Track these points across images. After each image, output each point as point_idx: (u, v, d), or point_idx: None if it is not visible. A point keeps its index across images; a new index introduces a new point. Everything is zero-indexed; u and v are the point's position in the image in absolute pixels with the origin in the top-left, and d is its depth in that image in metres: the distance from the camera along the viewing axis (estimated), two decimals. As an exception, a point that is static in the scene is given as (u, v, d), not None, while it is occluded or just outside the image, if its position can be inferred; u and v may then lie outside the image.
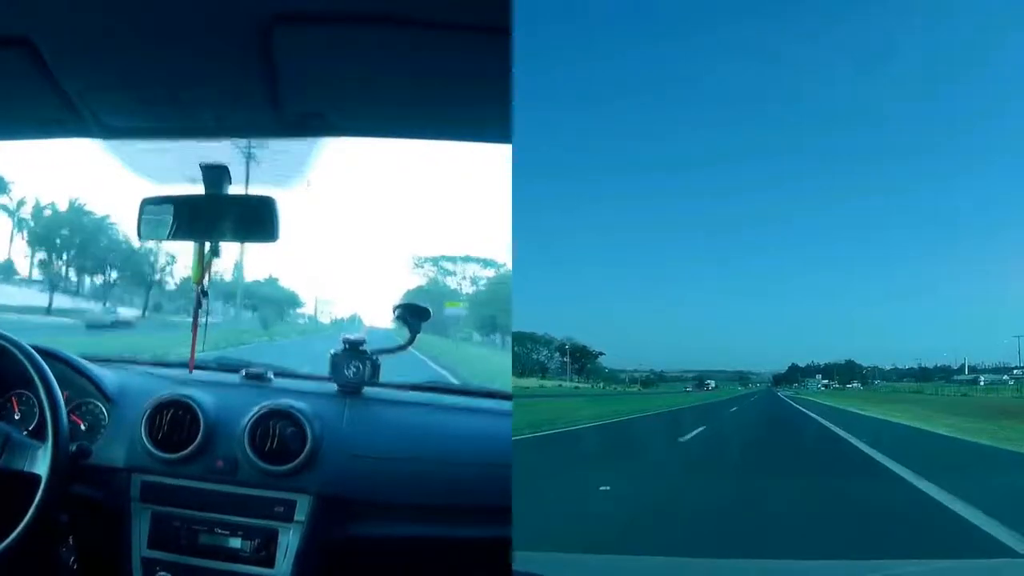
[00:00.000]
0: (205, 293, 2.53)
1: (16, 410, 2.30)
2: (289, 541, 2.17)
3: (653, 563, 2.58)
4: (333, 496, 2.22)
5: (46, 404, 2.03)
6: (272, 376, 2.52)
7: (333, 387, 2.45)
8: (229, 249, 2.48)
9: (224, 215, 2.33)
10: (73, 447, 2.07)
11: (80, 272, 29.03)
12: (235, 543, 2.17)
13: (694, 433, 10.28)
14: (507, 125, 1.79)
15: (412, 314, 2.53)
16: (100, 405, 2.33)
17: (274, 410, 2.25)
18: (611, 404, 17.23)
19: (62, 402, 2.06)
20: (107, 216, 28.53)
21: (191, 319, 2.62)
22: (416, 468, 2.30)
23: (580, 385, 24.61)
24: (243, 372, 2.52)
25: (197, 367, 2.59)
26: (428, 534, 2.28)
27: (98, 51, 1.59)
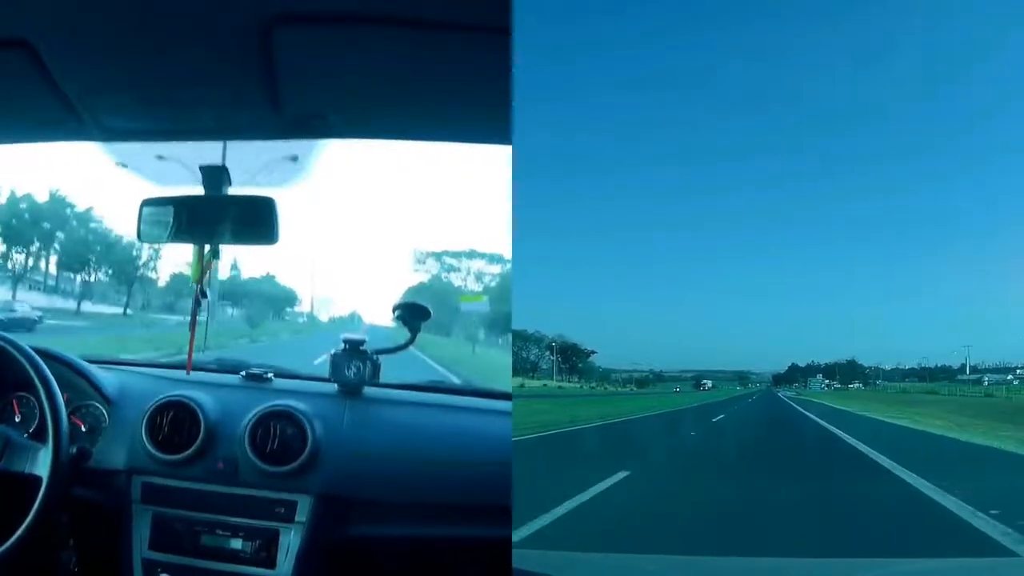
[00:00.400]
0: (204, 294, 2.53)
1: (17, 412, 2.30)
2: (290, 542, 2.17)
3: (653, 562, 2.57)
4: (334, 496, 2.22)
5: (46, 406, 2.03)
6: (272, 377, 2.52)
7: (333, 387, 2.45)
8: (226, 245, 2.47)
9: (224, 216, 2.33)
10: (73, 449, 2.07)
11: (58, 268, 27.50)
12: (236, 544, 2.17)
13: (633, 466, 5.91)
14: (507, 125, 1.80)
15: (412, 313, 2.53)
16: (100, 407, 2.33)
17: (274, 411, 2.25)
18: (582, 408, 14.65)
19: (62, 404, 2.06)
20: (90, 208, 27.18)
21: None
22: (416, 468, 2.30)
23: (565, 385, 23.76)
24: (243, 373, 2.52)
25: (197, 368, 2.59)
26: (428, 534, 2.29)
27: (98, 53, 1.59)
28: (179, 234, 2.33)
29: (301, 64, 1.62)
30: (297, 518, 2.18)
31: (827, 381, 23.89)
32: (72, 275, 27.52)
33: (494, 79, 1.63)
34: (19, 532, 1.94)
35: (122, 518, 2.20)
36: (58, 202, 26.64)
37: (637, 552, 3.35)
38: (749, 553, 3.10)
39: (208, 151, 2.22)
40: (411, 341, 2.62)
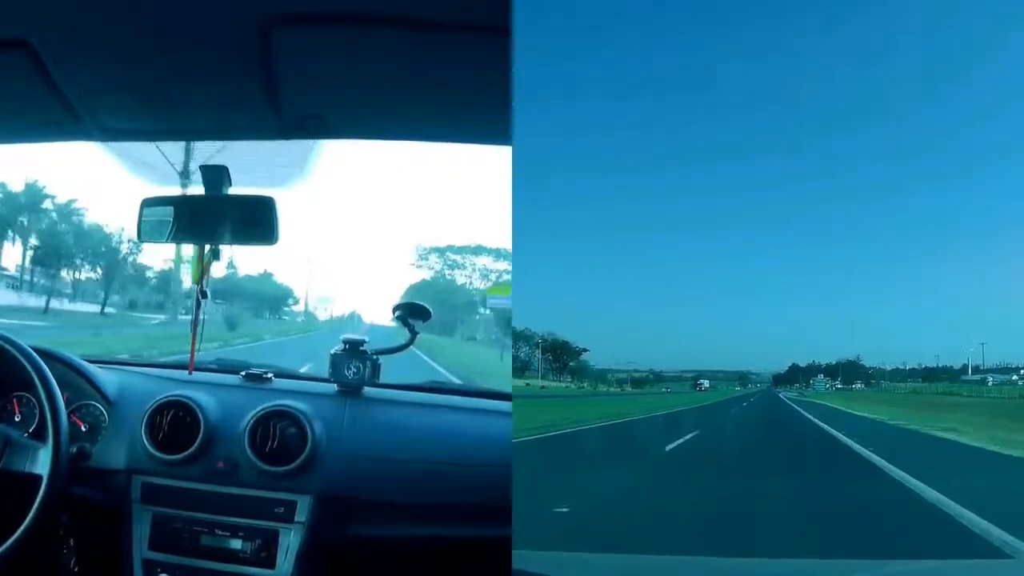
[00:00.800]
0: (205, 294, 2.53)
1: (17, 412, 2.30)
2: (290, 542, 2.17)
3: (653, 563, 2.57)
4: (334, 496, 2.22)
5: (46, 406, 2.03)
6: (272, 377, 2.52)
7: (333, 388, 2.45)
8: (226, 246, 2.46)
9: (223, 216, 2.33)
10: (73, 449, 2.07)
11: (34, 264, 26.21)
12: (236, 544, 2.17)
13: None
14: (507, 125, 1.79)
15: (412, 314, 2.53)
16: (100, 407, 2.33)
17: (274, 411, 2.25)
18: (536, 413, 12.16)
19: (62, 404, 2.06)
20: (71, 201, 25.96)
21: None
22: (416, 468, 2.30)
23: (549, 384, 22.90)
24: (243, 373, 2.52)
25: (198, 368, 2.59)
26: (428, 534, 2.29)
27: (97, 53, 1.59)
28: (179, 234, 2.33)
29: (301, 64, 1.62)
30: (297, 518, 2.18)
31: (832, 382, 23.19)
32: (49, 271, 26.25)
33: (494, 79, 1.63)
34: (19, 532, 1.94)
35: (122, 518, 2.20)
36: (35, 194, 25.35)
37: (637, 552, 3.35)
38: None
39: (208, 151, 2.22)
40: (411, 341, 2.62)
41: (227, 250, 2.53)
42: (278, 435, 2.22)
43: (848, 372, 23.77)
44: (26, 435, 2.12)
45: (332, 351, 2.46)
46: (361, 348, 2.45)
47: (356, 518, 2.25)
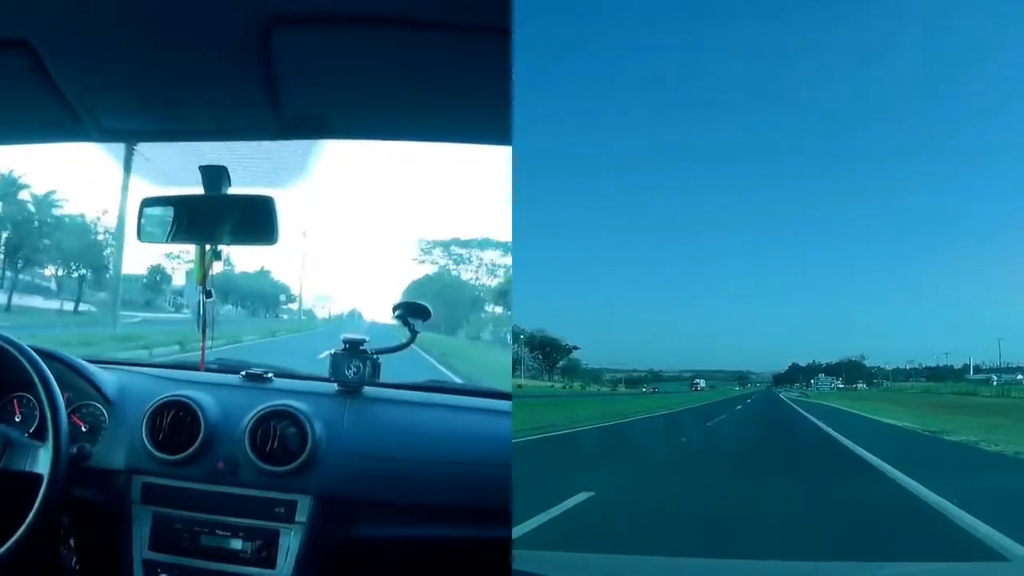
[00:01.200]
0: (210, 293, 2.53)
1: (17, 412, 2.30)
2: (290, 542, 2.17)
3: (653, 563, 2.57)
4: (334, 497, 2.22)
5: (46, 406, 2.03)
6: (272, 377, 2.52)
7: (333, 387, 2.45)
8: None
9: (223, 216, 2.33)
10: (73, 449, 2.07)
11: (3, 259, 24.03)
12: (236, 544, 2.17)
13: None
14: (507, 125, 1.79)
15: (412, 313, 2.53)
16: (100, 407, 2.33)
17: (274, 411, 2.25)
18: None
19: (62, 404, 2.06)
20: (50, 192, 24.23)
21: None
22: (417, 468, 2.30)
23: (527, 384, 21.34)
24: (243, 373, 2.52)
25: (197, 368, 2.60)
26: (429, 534, 2.29)
27: (97, 53, 1.59)
28: (179, 234, 2.33)
29: (301, 64, 1.62)
30: (297, 518, 2.18)
31: (836, 383, 22.40)
32: (19, 266, 24.65)
33: (494, 79, 1.63)
34: (19, 532, 1.94)
35: (122, 518, 2.20)
36: (9, 185, 24.02)
37: (636, 553, 3.35)
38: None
39: (208, 151, 2.22)
40: (411, 340, 2.62)
41: (223, 248, 2.53)
42: (278, 435, 2.22)
43: (850, 372, 23.54)
44: (26, 435, 2.12)
45: (332, 351, 2.47)
46: (361, 347, 2.45)
47: (356, 518, 2.25)
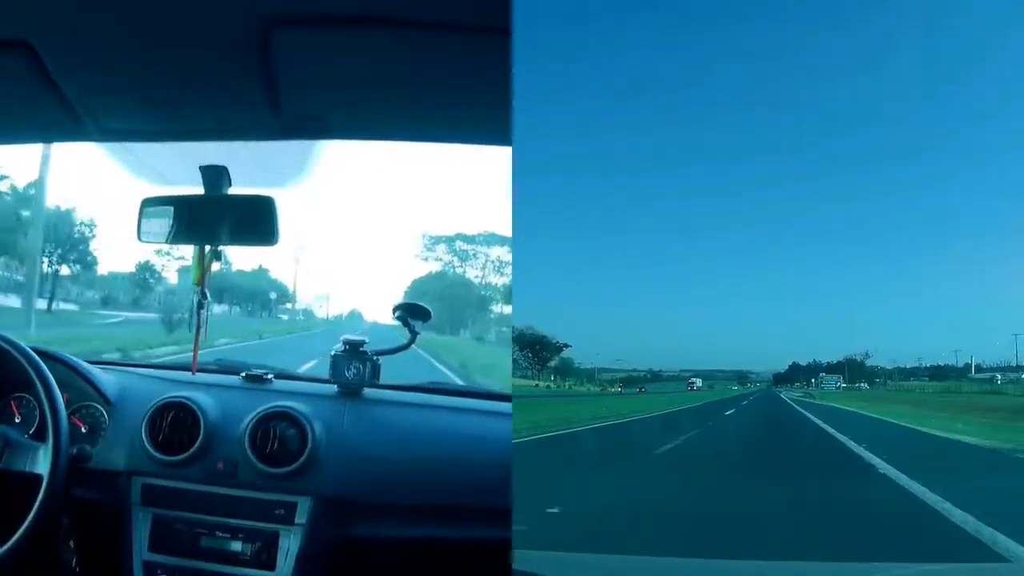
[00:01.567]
0: (205, 295, 2.53)
1: (17, 413, 2.30)
2: (290, 543, 2.16)
3: (653, 563, 2.57)
4: (334, 498, 2.22)
5: (46, 406, 2.03)
6: (272, 378, 2.52)
7: (333, 388, 2.45)
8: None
9: (222, 217, 2.32)
10: (73, 450, 2.06)
11: None
12: (236, 546, 2.17)
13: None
14: (507, 126, 1.79)
15: (412, 314, 2.53)
16: (100, 408, 2.33)
17: (274, 412, 2.25)
18: None
19: (62, 404, 2.06)
20: (31, 186, 22.12)
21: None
22: (416, 469, 2.30)
23: (513, 383, 21.75)
24: (243, 374, 2.52)
25: (198, 369, 2.59)
26: (429, 535, 2.28)
27: (97, 53, 1.59)
28: (179, 234, 2.33)
29: (301, 65, 1.62)
30: (297, 520, 2.18)
31: (841, 382, 21.62)
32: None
33: (494, 79, 1.63)
34: (20, 532, 1.94)
35: (122, 519, 2.20)
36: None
37: (636, 553, 3.35)
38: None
39: (208, 151, 2.22)
40: (411, 342, 2.62)
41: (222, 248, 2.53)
42: (278, 436, 2.21)
43: (854, 370, 23.32)
44: (26, 436, 2.12)
45: (332, 352, 2.46)
46: (361, 349, 2.45)
47: (356, 519, 2.25)
